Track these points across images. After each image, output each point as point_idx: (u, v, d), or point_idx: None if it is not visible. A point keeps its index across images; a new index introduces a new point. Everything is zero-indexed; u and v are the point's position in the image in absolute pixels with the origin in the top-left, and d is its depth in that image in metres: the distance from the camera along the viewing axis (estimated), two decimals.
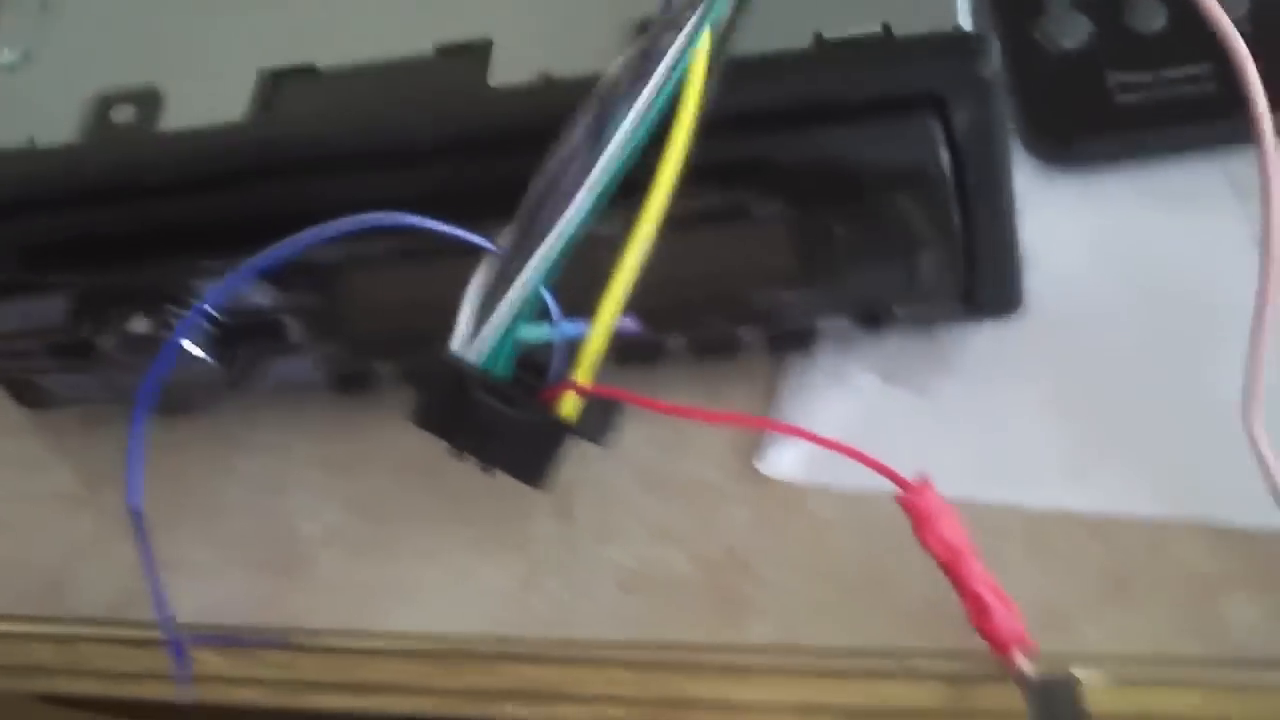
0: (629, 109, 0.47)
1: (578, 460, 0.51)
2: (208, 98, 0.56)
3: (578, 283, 0.48)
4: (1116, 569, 0.51)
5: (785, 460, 0.55)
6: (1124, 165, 0.58)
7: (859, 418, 0.55)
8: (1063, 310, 0.55)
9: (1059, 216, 0.57)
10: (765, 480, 0.55)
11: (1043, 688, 0.47)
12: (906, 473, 0.48)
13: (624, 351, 0.55)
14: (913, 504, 0.47)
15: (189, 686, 0.58)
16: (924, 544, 0.48)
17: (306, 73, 0.57)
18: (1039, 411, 0.54)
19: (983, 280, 0.53)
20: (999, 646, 0.48)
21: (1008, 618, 0.48)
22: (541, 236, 0.48)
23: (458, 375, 0.49)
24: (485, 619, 0.56)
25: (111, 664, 0.61)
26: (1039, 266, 0.55)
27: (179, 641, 0.57)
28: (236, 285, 0.54)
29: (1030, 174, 0.57)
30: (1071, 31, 0.59)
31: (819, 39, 0.51)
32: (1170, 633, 0.50)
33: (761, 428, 0.56)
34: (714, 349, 0.56)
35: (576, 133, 0.48)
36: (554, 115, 0.48)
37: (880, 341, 0.57)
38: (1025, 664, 0.48)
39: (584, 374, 0.49)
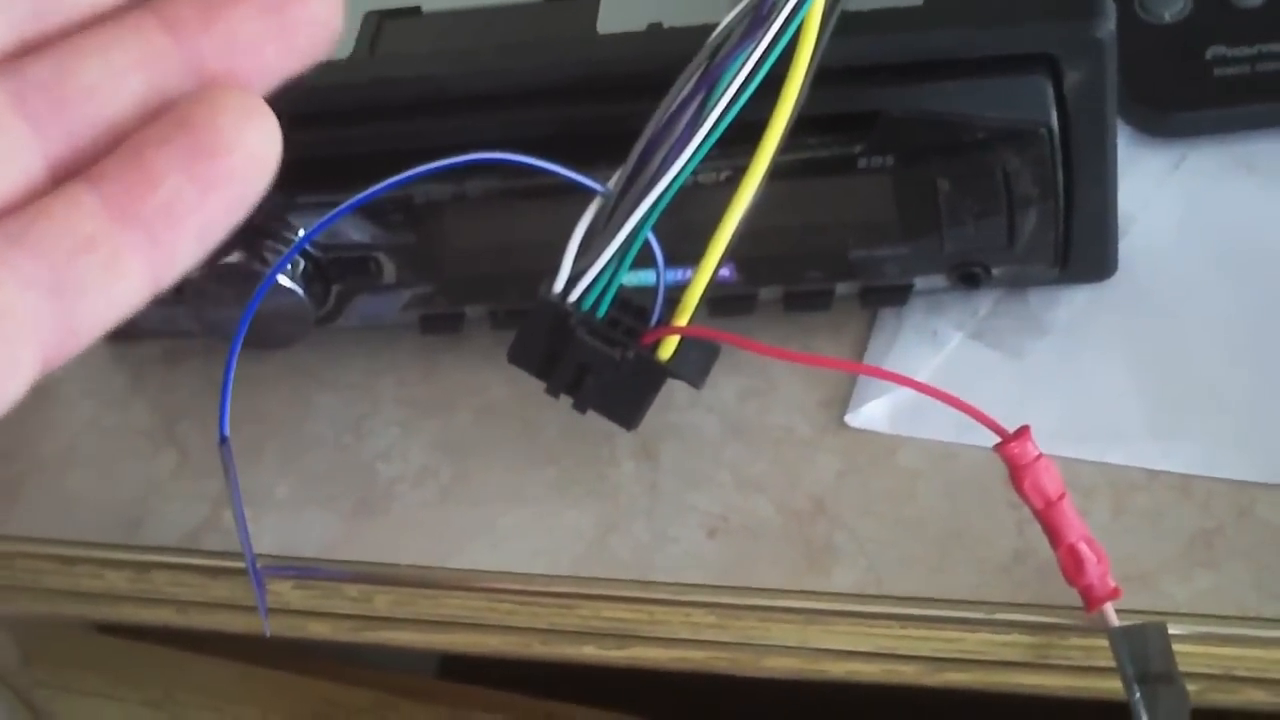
0: (742, 61, 0.47)
1: (664, 407, 0.52)
2: None
3: (673, 229, 0.49)
4: (1203, 529, 0.52)
5: (873, 413, 0.56)
6: (1218, 137, 0.59)
7: (948, 375, 0.55)
8: (1153, 276, 0.56)
9: (1152, 184, 0.58)
10: (852, 432, 0.56)
11: (1132, 641, 0.48)
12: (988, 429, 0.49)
13: (717, 302, 0.55)
14: (1011, 453, 0.48)
15: (265, 618, 0.58)
16: (1020, 493, 0.48)
17: (412, 14, 0.57)
18: (1127, 373, 0.55)
19: (1078, 243, 0.54)
20: (1091, 599, 0.48)
21: (1100, 571, 0.48)
22: (650, 182, 0.48)
23: (558, 315, 0.50)
24: (567, 561, 0.56)
25: (184, 593, 0.61)
26: (1130, 233, 0.56)
27: (257, 573, 0.57)
28: (337, 220, 0.54)
29: (1125, 142, 0.58)
30: (1171, 4, 0.60)
31: None
32: (1256, 593, 0.50)
33: (859, 373, 0.56)
34: (807, 302, 0.57)
35: (688, 82, 0.48)
36: (663, 63, 0.49)
37: (971, 301, 0.57)
38: (1115, 617, 0.48)
39: (684, 317, 0.50)
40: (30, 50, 0.30)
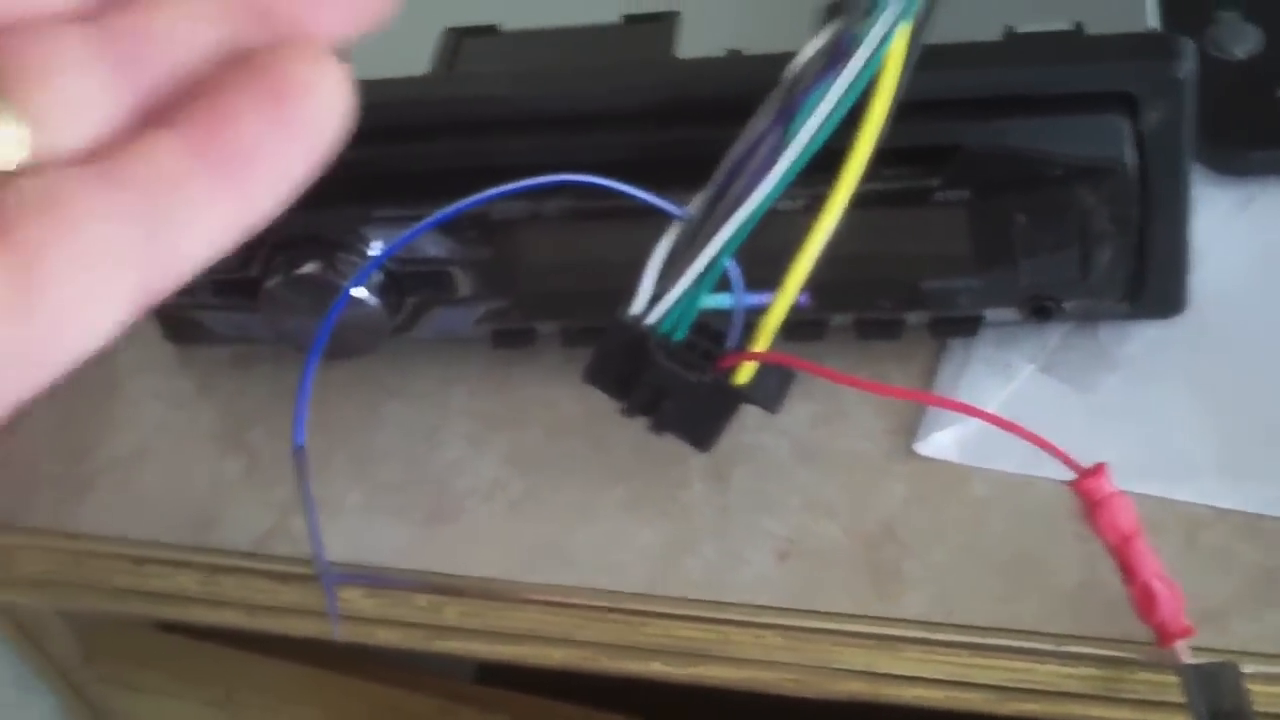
0: (824, 90, 0.48)
1: (735, 430, 0.53)
2: (390, 51, 0.56)
3: (749, 254, 0.49)
4: (1272, 567, 0.52)
5: (942, 441, 0.56)
6: None
7: (1017, 407, 0.56)
8: (1223, 314, 0.57)
9: (1222, 223, 0.58)
10: (921, 459, 0.57)
11: (1205, 679, 0.48)
12: (1062, 463, 0.49)
13: (789, 326, 0.56)
14: (1087, 489, 0.49)
15: (335, 623, 0.59)
16: (1095, 529, 0.49)
17: (491, 33, 0.58)
18: (1196, 410, 0.55)
19: (1151, 279, 0.54)
20: (1164, 636, 0.49)
21: (1174, 608, 0.49)
22: (731, 208, 0.49)
23: (637, 336, 0.51)
24: (636, 579, 0.57)
25: (253, 596, 0.62)
26: (1201, 270, 0.56)
27: (330, 579, 0.58)
28: (416, 237, 0.55)
29: (1195, 179, 0.58)
30: (1243, 41, 0.60)
31: (1010, 32, 0.52)
32: None
33: (933, 404, 0.57)
34: (878, 330, 0.57)
35: (770, 110, 0.49)
36: (743, 90, 0.49)
37: (1042, 334, 0.58)
38: (1189, 655, 0.49)
39: (763, 342, 0.50)
40: (111, 5, 0.31)
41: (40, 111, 0.29)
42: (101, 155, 0.30)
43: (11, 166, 0.29)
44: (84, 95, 0.30)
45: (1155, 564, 0.49)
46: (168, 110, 0.31)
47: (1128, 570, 0.49)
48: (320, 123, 0.31)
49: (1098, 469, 0.48)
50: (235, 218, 0.31)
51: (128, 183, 0.30)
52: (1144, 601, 0.49)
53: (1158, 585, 0.48)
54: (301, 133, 0.31)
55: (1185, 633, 0.49)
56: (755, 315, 0.50)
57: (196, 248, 0.31)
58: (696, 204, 0.50)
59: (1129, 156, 0.51)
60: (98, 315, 0.29)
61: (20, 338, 0.28)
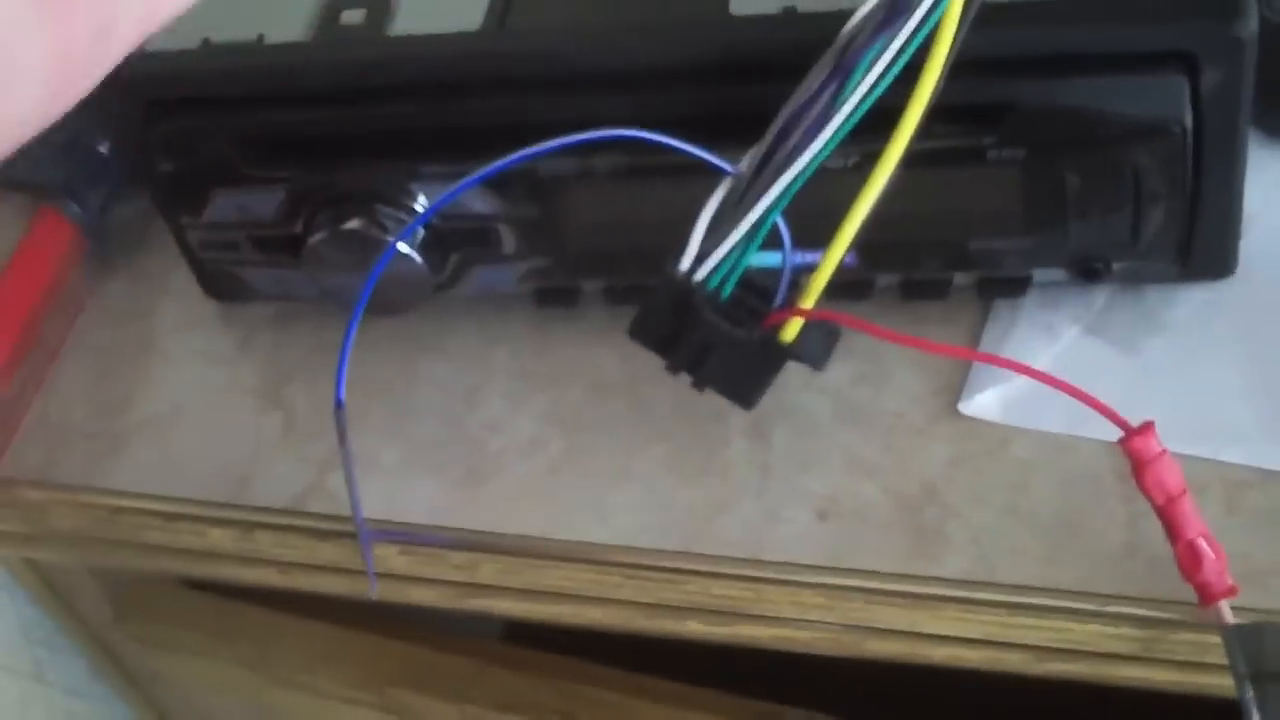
0: (879, 50, 0.48)
1: (777, 389, 0.53)
2: (439, 6, 0.57)
3: (798, 212, 0.49)
4: None
5: (986, 402, 0.56)
6: None
7: (1063, 368, 0.56)
8: (1272, 277, 0.56)
9: (1273, 186, 0.58)
10: (964, 420, 0.57)
11: (1247, 639, 0.48)
12: (1108, 424, 0.49)
13: (835, 286, 0.56)
14: (1135, 447, 0.49)
15: (373, 581, 0.59)
16: (1141, 488, 0.49)
17: None
18: (1243, 373, 0.55)
19: (1201, 241, 0.54)
20: (1207, 596, 0.49)
21: (1218, 568, 0.48)
22: (783, 165, 0.49)
23: (683, 293, 0.51)
24: (675, 538, 0.57)
25: (288, 554, 0.62)
26: (1250, 233, 0.56)
27: (367, 536, 0.58)
28: (463, 192, 0.55)
29: (1249, 143, 0.58)
30: None
31: None
32: None
33: (980, 361, 0.57)
34: (924, 290, 0.57)
35: (824, 68, 0.48)
36: (797, 47, 0.49)
37: (1088, 296, 0.58)
38: (1232, 615, 0.48)
39: (810, 300, 0.50)
40: None
41: None
42: None
43: None
44: None
45: (1200, 524, 0.49)
46: None
47: (1173, 530, 0.49)
48: None
49: (1146, 427, 0.48)
50: None
51: None
52: (1188, 561, 0.49)
53: (1202, 545, 0.48)
54: None
55: (1229, 592, 0.48)
56: (802, 273, 0.50)
57: None
58: (747, 160, 0.49)
59: (1187, 117, 0.51)
60: None
61: None
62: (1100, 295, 0.58)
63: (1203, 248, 0.54)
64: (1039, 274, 0.56)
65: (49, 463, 0.65)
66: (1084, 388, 0.49)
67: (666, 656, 0.65)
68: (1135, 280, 0.57)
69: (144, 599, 0.76)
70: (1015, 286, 0.57)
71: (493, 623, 0.81)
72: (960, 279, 0.57)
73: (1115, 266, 0.55)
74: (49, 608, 0.78)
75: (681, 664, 0.67)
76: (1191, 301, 0.57)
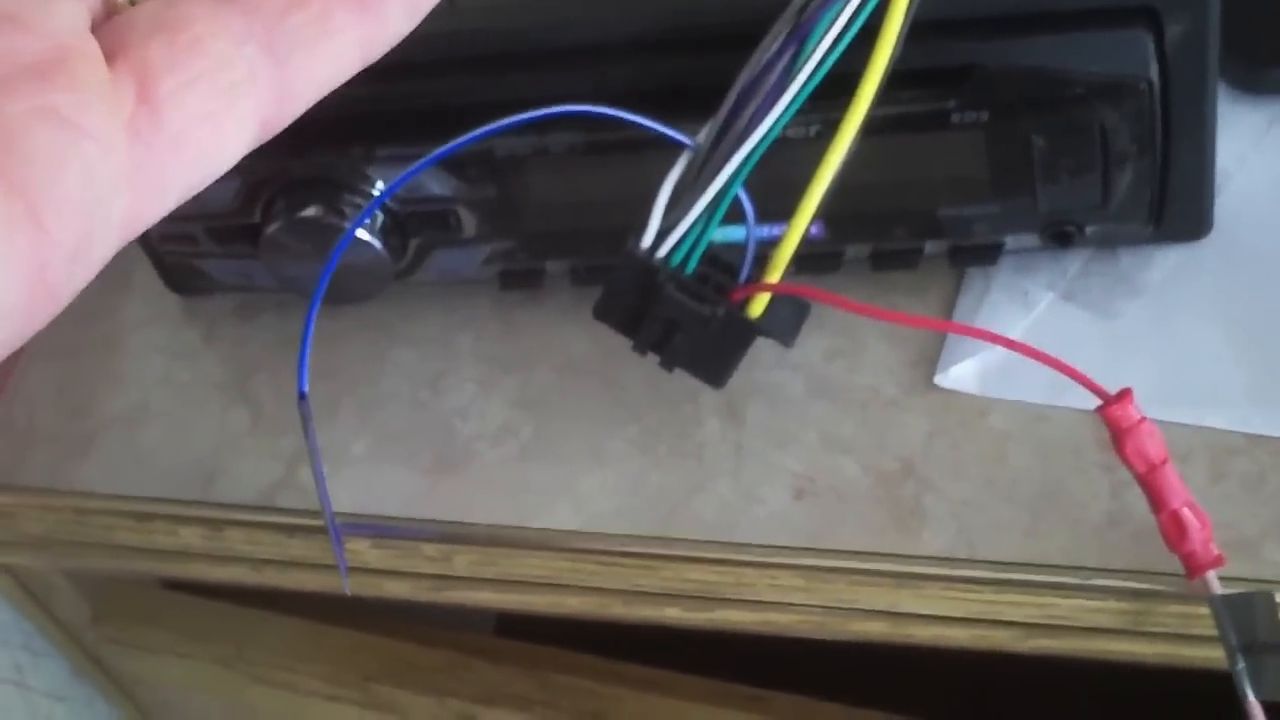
0: (834, 14, 0.46)
1: (749, 366, 0.51)
2: None
3: (760, 184, 0.48)
4: None
5: (962, 373, 0.55)
6: None
7: (1039, 336, 0.55)
8: (1248, 235, 0.55)
9: (1248, 142, 0.57)
10: (940, 393, 0.55)
11: (1237, 610, 0.47)
12: (1085, 391, 0.48)
13: (803, 259, 0.54)
14: (1114, 415, 0.47)
15: (345, 576, 0.58)
16: (1122, 457, 0.47)
17: None
18: (1223, 335, 0.54)
19: (1174, 201, 0.53)
20: (1194, 566, 0.47)
21: (1203, 537, 0.47)
22: (741, 136, 0.47)
23: (647, 271, 0.49)
24: (650, 521, 0.55)
25: (259, 551, 0.61)
26: (1225, 191, 0.55)
27: (337, 531, 0.57)
28: (419, 174, 0.53)
29: (1221, 98, 0.56)
30: None
31: None
32: None
33: (954, 333, 0.55)
34: (894, 260, 0.56)
35: (779, 36, 0.47)
36: (751, 16, 0.47)
37: (1062, 261, 0.56)
38: (1220, 585, 0.47)
39: (776, 274, 0.49)
40: None
41: None
42: None
43: None
44: None
45: (1184, 492, 0.47)
46: None
47: (1156, 499, 0.47)
48: None
49: (1124, 394, 0.47)
50: (364, 43, 0.31)
51: (248, 4, 0.29)
52: (1173, 531, 0.47)
53: (1186, 514, 0.47)
54: None
55: (1216, 562, 0.47)
56: (768, 247, 0.49)
57: (323, 72, 0.30)
58: (705, 133, 0.48)
59: (1152, 73, 0.49)
60: (219, 139, 0.29)
61: (143, 155, 0.28)
62: (1074, 260, 0.56)
63: (1176, 207, 0.53)
64: (1010, 240, 0.55)
65: (16, 466, 0.64)
66: (1061, 355, 0.47)
67: (662, 645, 0.63)
68: (1109, 243, 0.56)
69: (121, 600, 0.75)
70: (987, 254, 0.55)
71: (486, 616, 0.81)
72: (931, 248, 0.55)
73: (1087, 230, 0.54)
74: (26, 612, 0.77)
75: (677, 651, 0.66)
76: (1168, 263, 0.56)
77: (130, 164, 0.28)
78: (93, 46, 0.29)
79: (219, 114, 0.29)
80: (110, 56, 0.29)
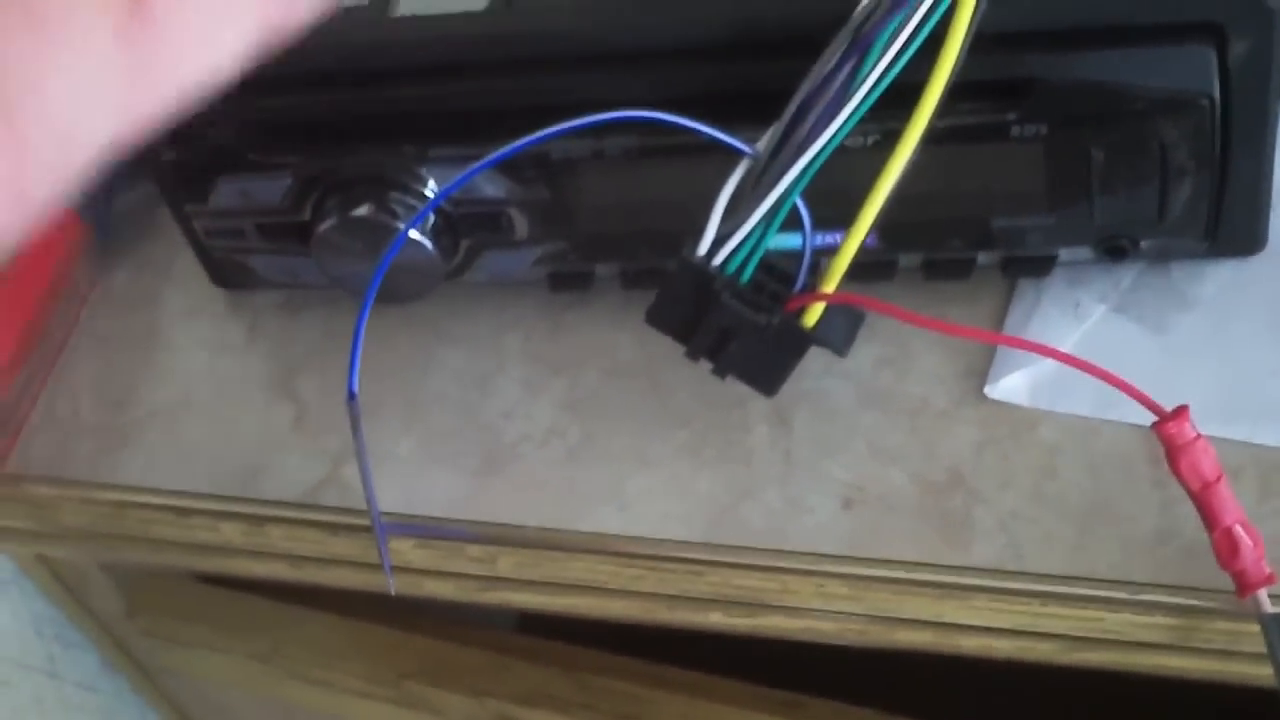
0: (896, 26, 0.46)
1: (798, 374, 0.51)
2: None
3: (817, 192, 0.48)
4: None
5: (1012, 385, 0.55)
6: None
7: (1090, 348, 0.55)
8: None
9: None
10: (990, 404, 0.55)
11: None
12: (1138, 405, 0.48)
13: (857, 267, 0.54)
14: (1169, 432, 0.47)
15: (390, 576, 0.58)
16: (1176, 474, 0.47)
17: None
18: (1276, 350, 0.54)
19: (1230, 217, 0.53)
20: (1245, 584, 0.47)
21: (1256, 556, 0.47)
22: (802, 146, 0.48)
23: (702, 278, 0.49)
24: (698, 527, 0.55)
25: (299, 548, 0.61)
26: (1279, 207, 0.54)
27: (383, 530, 0.57)
28: (474, 176, 0.54)
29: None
30: None
31: None
32: None
33: (1007, 345, 0.55)
34: (947, 270, 0.56)
35: (841, 46, 0.47)
36: (813, 24, 0.48)
37: (1114, 274, 0.56)
38: (1269, 604, 0.47)
39: (832, 284, 0.49)
40: None
41: None
42: None
43: None
44: None
45: (1238, 510, 0.47)
46: None
47: (1209, 517, 0.47)
48: None
49: (1180, 411, 0.47)
50: None
51: None
52: (1225, 548, 0.47)
53: (1239, 532, 0.47)
54: None
55: (1267, 580, 0.47)
56: (823, 256, 0.49)
57: None
58: (765, 141, 0.48)
59: (1214, 89, 0.49)
60: (213, 49, 0.28)
61: (131, 67, 0.27)
62: (1127, 273, 0.56)
63: (1231, 223, 0.53)
64: (1064, 252, 0.55)
65: (57, 457, 0.64)
66: (1112, 368, 0.47)
67: (685, 645, 0.63)
68: (1162, 257, 0.56)
69: (156, 593, 0.76)
70: (1040, 265, 0.55)
71: (507, 614, 0.80)
72: (984, 258, 0.55)
73: (1142, 244, 0.54)
74: (61, 603, 0.77)
75: (702, 652, 0.66)
76: (1220, 278, 0.55)
77: (117, 75, 0.28)
78: None
79: (214, 25, 0.29)
80: None
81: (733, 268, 0.49)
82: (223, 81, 0.30)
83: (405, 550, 0.59)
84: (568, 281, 0.59)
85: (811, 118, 0.47)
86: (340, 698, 0.72)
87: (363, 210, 0.56)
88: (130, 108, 0.28)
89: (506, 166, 0.54)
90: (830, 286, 0.49)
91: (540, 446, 0.58)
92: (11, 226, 0.27)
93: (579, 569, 0.57)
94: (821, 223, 0.49)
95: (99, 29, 0.27)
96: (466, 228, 0.57)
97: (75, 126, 0.27)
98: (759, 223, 0.49)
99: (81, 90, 0.27)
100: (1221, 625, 0.50)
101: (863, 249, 0.48)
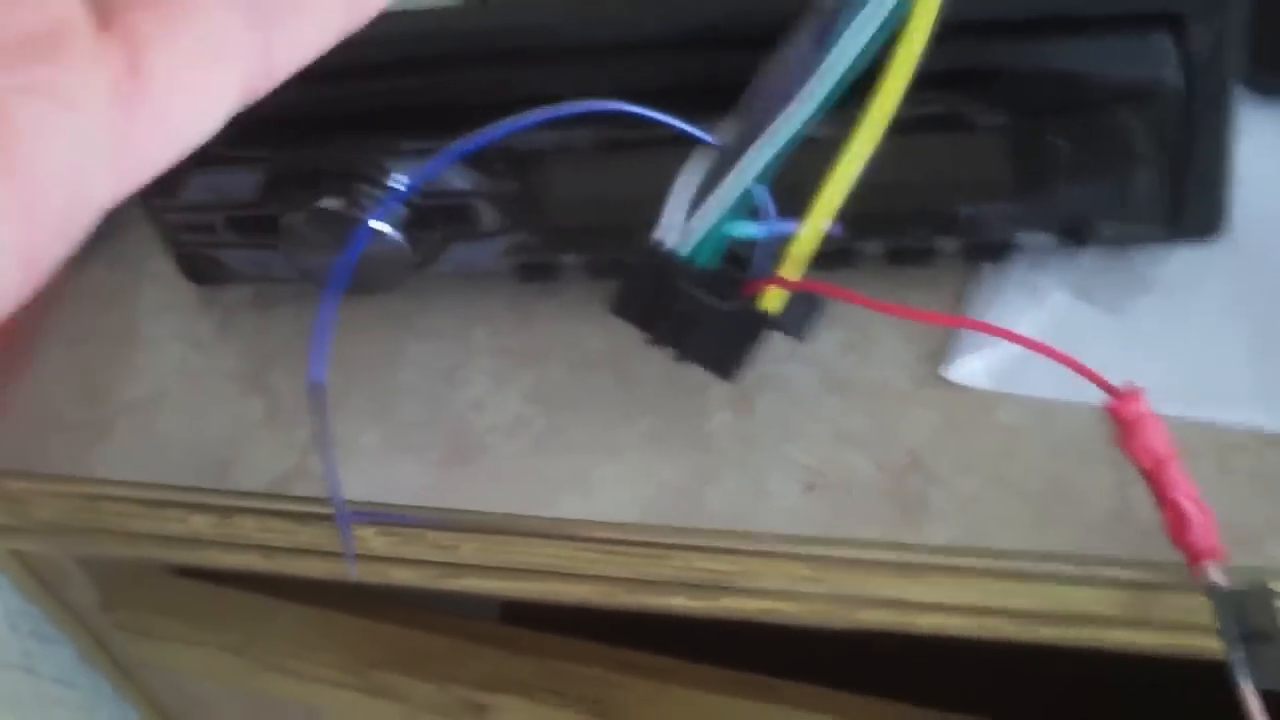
0: (861, 13, 0.47)
1: (761, 360, 0.52)
2: None
3: (779, 181, 0.49)
4: None
5: (972, 367, 0.56)
6: None
7: (1050, 331, 0.55)
8: (1261, 236, 0.56)
9: (1263, 145, 0.57)
10: (951, 387, 0.56)
11: (1234, 600, 0.47)
12: (1094, 387, 0.48)
13: (819, 255, 0.55)
14: (1120, 411, 0.48)
15: (352, 563, 0.59)
16: (1128, 452, 0.48)
17: None
18: (1234, 333, 0.54)
19: (1190, 201, 0.54)
20: (1194, 557, 0.48)
21: (1205, 529, 0.48)
22: (763, 135, 0.48)
23: (663, 265, 0.50)
24: (660, 512, 0.56)
25: (270, 538, 0.62)
26: (1240, 193, 0.55)
27: (345, 517, 0.57)
28: (441, 168, 0.54)
29: (1239, 102, 0.57)
30: None
31: None
32: None
33: (964, 328, 0.56)
34: (909, 257, 0.57)
35: (805, 32, 0.48)
36: (777, 16, 0.48)
37: (1074, 258, 0.57)
38: (1219, 576, 0.48)
39: (792, 269, 0.50)
40: None
41: None
42: None
43: None
44: None
45: (1188, 486, 0.48)
46: None
47: (1159, 493, 0.48)
48: None
49: (1131, 391, 0.48)
50: (342, 17, 0.31)
51: None
52: (1175, 523, 0.48)
53: (1189, 506, 0.48)
54: None
55: (1216, 553, 0.48)
56: (785, 243, 0.49)
57: (302, 44, 0.31)
58: (728, 130, 0.49)
59: (1175, 77, 0.50)
60: (202, 108, 0.29)
61: (126, 127, 0.28)
62: (1087, 256, 0.57)
63: (1192, 209, 0.54)
64: (1026, 238, 0.55)
65: (32, 452, 0.65)
66: (1072, 351, 0.48)
67: (659, 632, 0.64)
68: (1123, 242, 0.56)
69: (131, 587, 0.76)
70: (998, 251, 0.56)
71: (490, 604, 0.81)
72: (945, 245, 0.56)
73: (1103, 229, 0.54)
74: (36, 598, 0.77)
75: (684, 640, 0.66)
76: (1180, 261, 0.56)
77: (114, 136, 0.28)
78: (85, 15, 0.28)
79: (203, 86, 0.30)
80: (99, 24, 0.29)
81: (695, 255, 0.50)
82: (213, 134, 0.31)
83: (369, 538, 0.59)
84: (535, 272, 0.60)
85: (773, 106, 0.48)
86: (312, 687, 0.73)
87: (331, 203, 0.56)
88: (128, 165, 0.29)
89: (474, 159, 0.55)
90: (790, 272, 0.49)
91: (507, 437, 0.59)
92: (22, 289, 0.28)
93: (540, 554, 0.57)
94: (787, 211, 0.49)
95: (96, 89, 0.28)
96: (434, 219, 0.58)
97: (76, 191, 0.28)
98: (720, 211, 0.49)
99: (82, 154, 0.28)
100: (1175, 599, 0.50)
101: (828, 236, 0.49)
